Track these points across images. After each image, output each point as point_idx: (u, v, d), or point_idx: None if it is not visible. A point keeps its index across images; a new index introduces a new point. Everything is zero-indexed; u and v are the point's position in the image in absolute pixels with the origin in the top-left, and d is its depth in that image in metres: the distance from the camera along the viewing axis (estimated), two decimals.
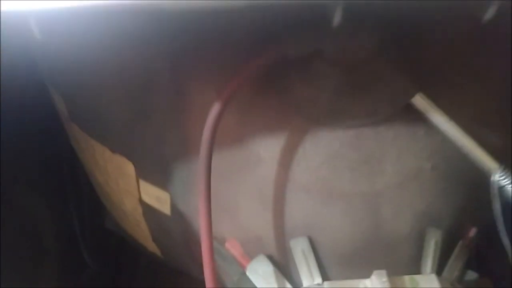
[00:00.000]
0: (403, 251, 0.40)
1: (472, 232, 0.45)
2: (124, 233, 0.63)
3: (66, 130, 0.56)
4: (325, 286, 0.36)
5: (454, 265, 0.41)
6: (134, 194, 0.50)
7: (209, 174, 0.35)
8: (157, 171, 0.45)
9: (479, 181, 0.39)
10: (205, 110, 0.36)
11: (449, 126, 0.37)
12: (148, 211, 0.50)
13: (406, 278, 0.37)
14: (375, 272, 0.36)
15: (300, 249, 0.39)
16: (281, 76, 0.37)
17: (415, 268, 0.40)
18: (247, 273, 0.42)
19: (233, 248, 0.43)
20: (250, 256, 0.42)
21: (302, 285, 0.39)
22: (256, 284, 0.41)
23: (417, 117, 0.38)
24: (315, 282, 0.38)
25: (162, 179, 0.45)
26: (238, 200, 0.41)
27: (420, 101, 0.37)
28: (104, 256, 0.73)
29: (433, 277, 0.38)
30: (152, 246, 0.57)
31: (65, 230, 0.68)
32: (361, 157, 0.38)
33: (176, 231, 0.49)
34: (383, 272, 0.36)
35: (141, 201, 0.49)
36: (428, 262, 0.39)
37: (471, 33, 0.36)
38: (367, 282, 0.36)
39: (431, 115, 0.37)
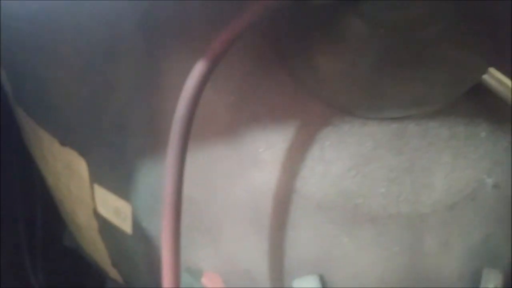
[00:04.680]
0: None
1: None
2: (84, 253, 0.52)
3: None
4: None
5: None
6: (87, 203, 0.38)
7: (181, 171, 0.24)
8: (116, 172, 0.34)
9: None
10: (184, 82, 0.26)
11: None
12: (105, 226, 0.39)
13: None
14: None
15: None
16: (297, 41, 0.26)
17: None
18: None
19: (212, 284, 0.31)
20: None
21: None
22: None
23: (477, 112, 0.28)
24: None
25: (122, 184, 0.34)
26: (222, 218, 0.30)
27: (493, 79, 0.27)
28: (59, 278, 0.62)
29: None
30: (112, 272, 0.46)
31: (9, 243, 0.56)
32: (403, 164, 0.27)
33: (138, 256, 0.38)
34: None
35: (96, 214, 0.38)
36: None
37: None
38: None
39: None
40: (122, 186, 0.34)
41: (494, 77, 0.27)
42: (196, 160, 0.28)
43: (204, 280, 0.32)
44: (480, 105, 0.29)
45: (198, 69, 0.24)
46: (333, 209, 0.27)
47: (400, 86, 0.27)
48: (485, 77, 0.27)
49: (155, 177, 0.32)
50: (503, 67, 0.28)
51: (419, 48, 0.26)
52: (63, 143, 0.36)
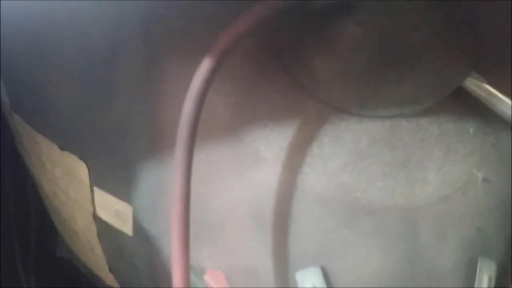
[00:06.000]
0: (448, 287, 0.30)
1: None
2: (78, 262, 0.52)
3: (10, 127, 0.46)
4: None
5: None
6: (87, 207, 0.39)
7: (189, 166, 0.25)
8: (117, 174, 0.34)
9: None
10: (185, 86, 0.26)
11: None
12: (104, 230, 0.39)
13: None
14: None
15: (310, 284, 0.28)
16: (293, 43, 0.27)
17: None
18: None
19: (215, 281, 0.32)
20: None
21: None
22: None
23: (465, 110, 0.30)
24: None
25: (123, 186, 0.34)
26: (224, 215, 0.31)
27: (474, 83, 0.28)
28: None
29: None
30: (109, 278, 0.46)
31: (2, 254, 0.56)
32: (397, 159, 0.28)
33: (139, 258, 0.38)
34: None
35: (96, 217, 0.38)
36: None
37: None
38: None
39: (488, 96, 0.28)
40: (123, 188, 0.35)
41: (475, 82, 0.29)
42: (198, 159, 0.29)
43: (207, 278, 0.32)
44: (467, 103, 0.30)
45: (205, 65, 0.24)
46: (332, 202, 0.28)
47: (391, 86, 0.28)
48: (467, 82, 0.28)
49: (156, 178, 0.33)
50: (486, 70, 0.30)
51: (408, 51, 0.27)
52: (62, 148, 0.37)
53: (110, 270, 0.44)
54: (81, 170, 0.36)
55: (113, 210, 0.37)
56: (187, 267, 0.25)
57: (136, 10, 0.30)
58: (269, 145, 0.29)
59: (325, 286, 0.28)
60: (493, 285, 0.31)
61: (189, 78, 0.28)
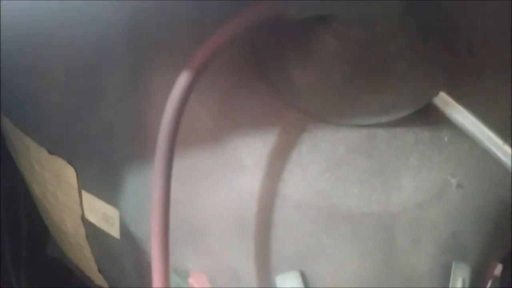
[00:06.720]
0: None
1: (498, 269, 0.36)
2: (69, 262, 0.53)
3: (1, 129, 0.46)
4: None
5: None
6: (75, 210, 0.39)
7: (168, 175, 0.26)
8: (104, 178, 0.35)
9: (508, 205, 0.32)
10: (170, 92, 0.27)
11: (476, 127, 0.29)
12: (93, 233, 0.40)
13: None
14: None
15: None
16: (274, 53, 0.28)
17: None
18: None
19: (198, 284, 0.33)
20: None
21: None
22: None
23: (440, 118, 0.31)
24: None
25: (110, 190, 0.35)
26: (207, 219, 0.31)
27: (443, 98, 0.29)
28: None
29: None
30: (98, 279, 0.47)
31: None
32: (374, 167, 0.29)
33: (126, 260, 0.39)
34: None
35: (84, 220, 0.39)
36: None
37: None
38: None
39: (456, 115, 0.29)
40: (110, 192, 0.35)
41: (445, 101, 0.30)
42: (182, 165, 0.30)
43: (191, 280, 0.33)
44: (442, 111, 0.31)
45: (183, 79, 0.25)
46: (311, 208, 0.29)
47: (368, 96, 0.29)
48: (436, 100, 0.29)
49: (142, 183, 0.34)
50: (460, 83, 0.31)
51: (384, 61, 0.28)
52: (51, 152, 0.37)
53: (99, 271, 0.45)
54: (69, 173, 0.37)
55: (101, 213, 0.38)
56: (167, 271, 0.26)
57: (121, 17, 0.31)
58: (251, 152, 0.30)
59: None
60: (467, 287, 0.32)
61: (173, 84, 0.29)
